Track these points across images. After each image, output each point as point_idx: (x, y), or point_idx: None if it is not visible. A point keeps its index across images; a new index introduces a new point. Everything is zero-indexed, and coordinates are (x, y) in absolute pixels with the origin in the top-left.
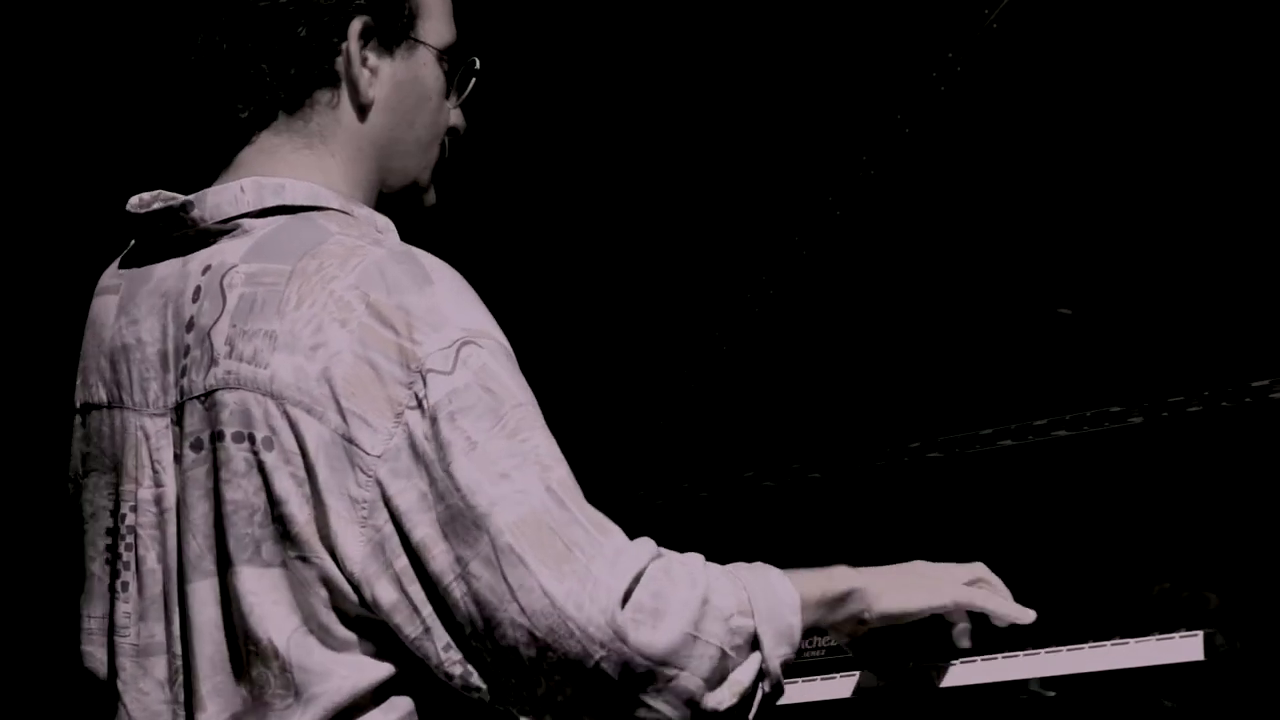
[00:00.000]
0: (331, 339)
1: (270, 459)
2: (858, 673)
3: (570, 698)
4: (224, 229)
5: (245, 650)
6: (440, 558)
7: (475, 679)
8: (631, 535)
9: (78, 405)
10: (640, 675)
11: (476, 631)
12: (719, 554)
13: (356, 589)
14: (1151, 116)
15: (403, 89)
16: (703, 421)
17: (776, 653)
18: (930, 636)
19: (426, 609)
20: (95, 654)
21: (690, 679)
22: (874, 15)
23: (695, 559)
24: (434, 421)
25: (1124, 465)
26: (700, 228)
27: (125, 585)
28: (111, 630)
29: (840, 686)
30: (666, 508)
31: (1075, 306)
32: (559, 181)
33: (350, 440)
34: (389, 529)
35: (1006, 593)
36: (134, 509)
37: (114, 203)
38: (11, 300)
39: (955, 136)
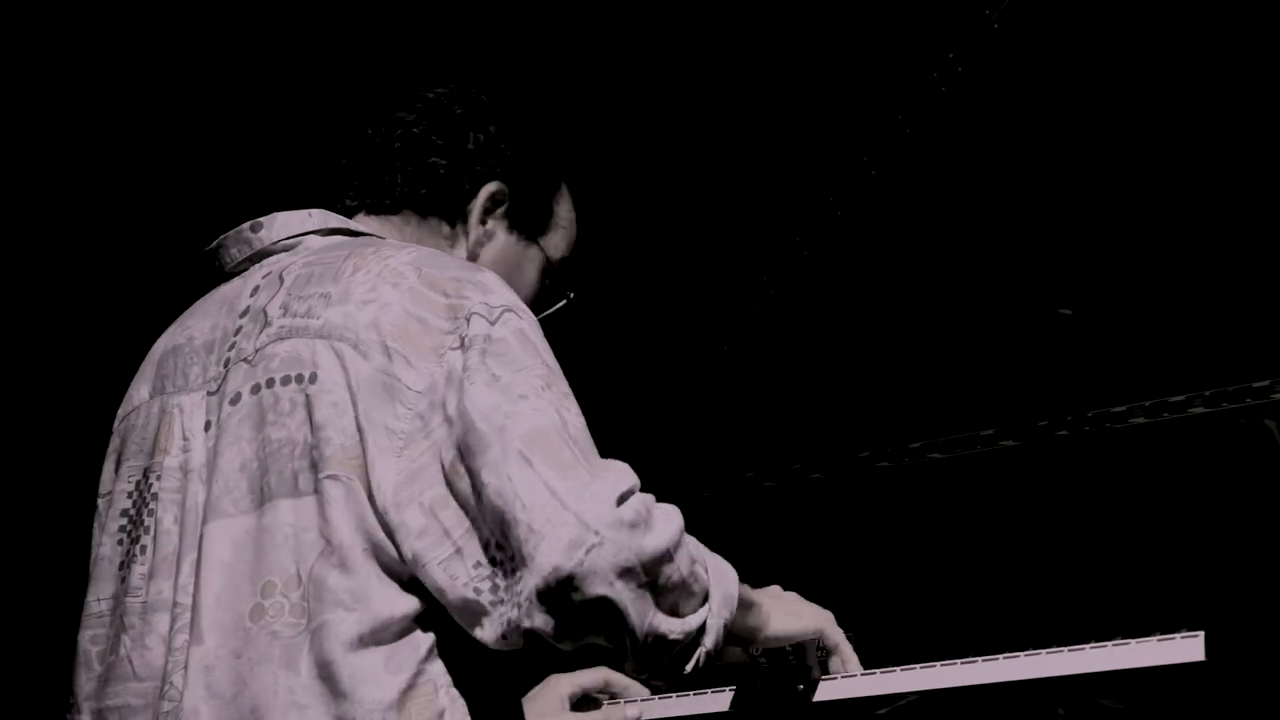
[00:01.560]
0: (383, 295)
1: (314, 391)
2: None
3: (556, 589)
4: (285, 247)
5: (266, 582)
6: (463, 479)
7: (502, 590)
8: None
9: (116, 422)
10: (624, 569)
11: (492, 537)
12: (721, 554)
13: (384, 514)
14: (1153, 116)
15: (504, 265)
16: (704, 422)
17: (721, 612)
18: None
19: (458, 530)
20: (100, 634)
21: (658, 592)
22: (875, 16)
23: (672, 507)
24: (467, 353)
25: (1126, 465)
26: (701, 228)
27: (144, 549)
28: (125, 596)
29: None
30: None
31: (1076, 307)
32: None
33: (393, 375)
34: (424, 460)
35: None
36: (159, 477)
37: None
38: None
39: (957, 137)
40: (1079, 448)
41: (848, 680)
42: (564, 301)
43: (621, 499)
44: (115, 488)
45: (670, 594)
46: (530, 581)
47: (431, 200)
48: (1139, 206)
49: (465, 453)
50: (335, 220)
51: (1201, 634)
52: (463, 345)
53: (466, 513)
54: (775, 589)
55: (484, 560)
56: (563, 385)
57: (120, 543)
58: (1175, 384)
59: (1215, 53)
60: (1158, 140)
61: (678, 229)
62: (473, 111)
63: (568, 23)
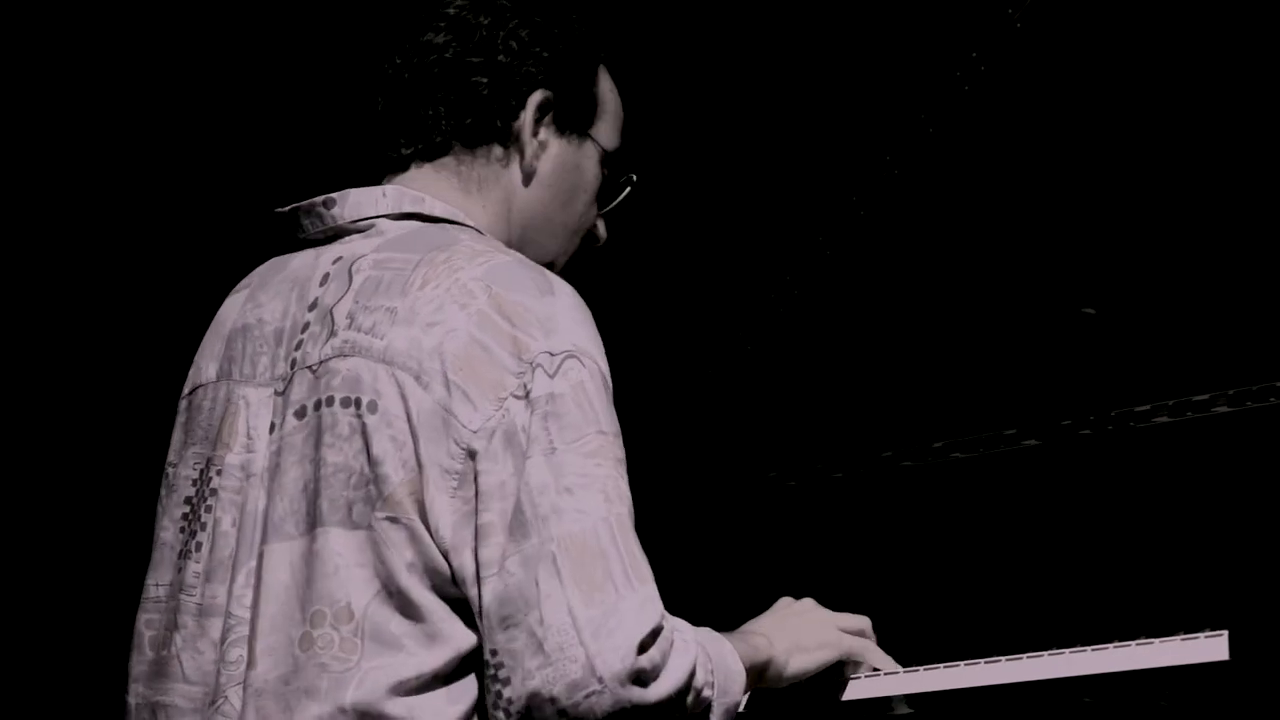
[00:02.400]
0: (450, 318)
1: (372, 421)
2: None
3: (545, 715)
4: (358, 228)
5: (315, 611)
6: (493, 547)
7: (488, 675)
8: (650, 534)
9: (185, 392)
10: (615, 716)
11: (489, 626)
12: (742, 553)
13: (445, 556)
14: (1178, 115)
15: (564, 171)
16: (726, 421)
17: None
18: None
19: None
20: (156, 619)
21: None
22: (897, 14)
23: (685, 625)
24: (530, 414)
25: (1149, 465)
26: (724, 227)
27: (199, 545)
28: (178, 591)
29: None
30: (692, 507)
31: (1099, 306)
32: None
33: (450, 412)
34: (473, 505)
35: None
36: (219, 473)
37: (259, 210)
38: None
39: (979, 136)
40: (1102, 447)
41: (870, 680)
42: (629, 189)
43: (642, 647)
44: (180, 470)
45: None
46: (521, 694)
47: (479, 128)
48: (1163, 205)
49: (506, 528)
50: (409, 201)
51: (1225, 633)
52: (526, 398)
53: (481, 575)
54: (786, 604)
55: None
56: (615, 451)
57: (182, 530)
58: (1199, 383)
59: (1243, 49)
60: (1182, 139)
61: (701, 228)
62: (500, 19)
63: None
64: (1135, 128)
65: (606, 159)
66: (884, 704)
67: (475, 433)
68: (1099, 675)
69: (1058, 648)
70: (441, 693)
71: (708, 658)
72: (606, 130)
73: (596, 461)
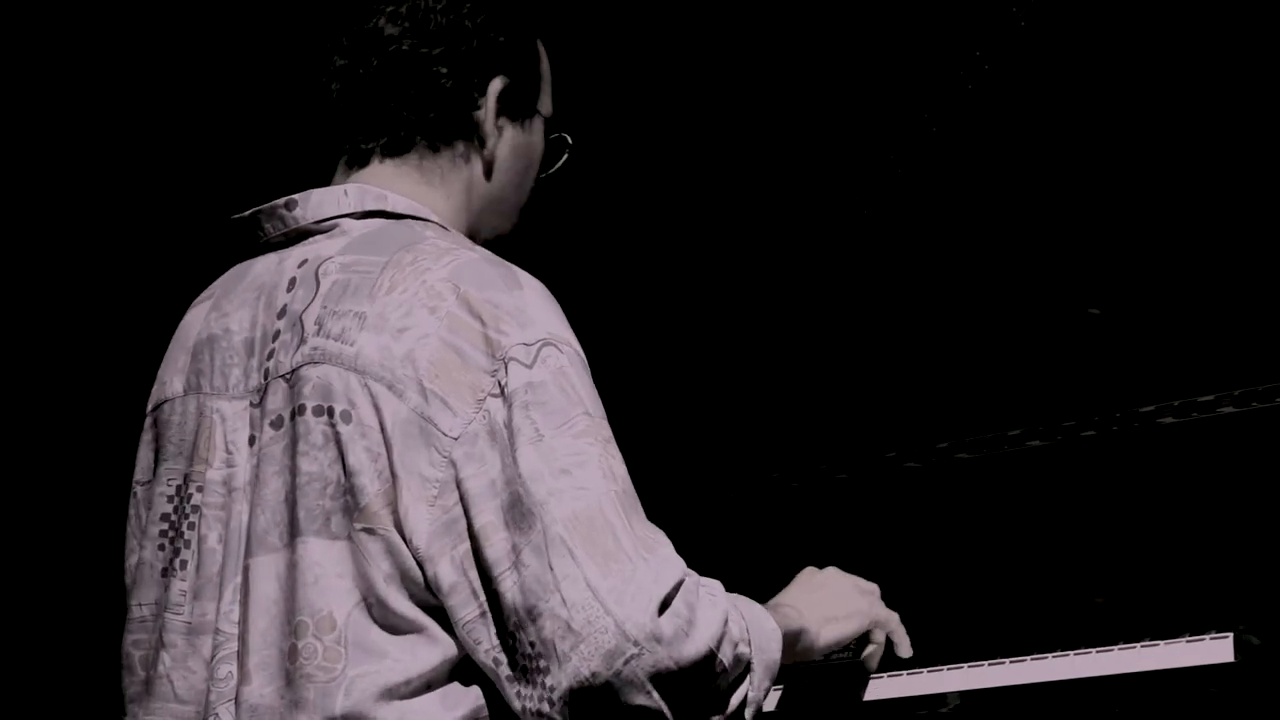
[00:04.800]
0: (420, 323)
1: (347, 431)
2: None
3: (592, 691)
4: (321, 228)
5: (298, 622)
6: (497, 545)
7: (518, 670)
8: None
9: (149, 407)
10: (662, 676)
11: (519, 621)
12: (746, 555)
13: (420, 565)
14: (1183, 115)
15: (519, 153)
16: (729, 422)
17: (763, 684)
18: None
19: (483, 594)
20: (144, 640)
21: (699, 688)
22: (902, 14)
23: (716, 583)
24: (510, 408)
25: (1154, 466)
26: (729, 228)
27: (184, 563)
28: (164, 610)
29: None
30: (695, 508)
31: (1104, 306)
32: (586, 187)
33: (429, 420)
34: (457, 511)
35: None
36: (200, 489)
37: (206, 218)
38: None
39: (983, 135)
40: (1106, 448)
41: (881, 681)
42: (567, 152)
43: (665, 603)
44: (155, 488)
45: (709, 685)
46: (563, 681)
47: (444, 123)
48: (1167, 206)
49: (508, 523)
50: (371, 199)
51: (1230, 635)
52: (503, 394)
53: (490, 577)
54: (810, 575)
55: (502, 632)
56: (604, 431)
57: (162, 548)
58: (1204, 384)
59: (1249, 48)
60: (1187, 139)
61: (705, 229)
62: (453, 5)
63: (604, 20)
64: (1140, 127)
65: (548, 126)
66: (886, 706)
67: (457, 439)
68: (1102, 677)
69: (1062, 650)
70: (435, 697)
71: (740, 615)
72: (547, 100)
73: (588, 441)
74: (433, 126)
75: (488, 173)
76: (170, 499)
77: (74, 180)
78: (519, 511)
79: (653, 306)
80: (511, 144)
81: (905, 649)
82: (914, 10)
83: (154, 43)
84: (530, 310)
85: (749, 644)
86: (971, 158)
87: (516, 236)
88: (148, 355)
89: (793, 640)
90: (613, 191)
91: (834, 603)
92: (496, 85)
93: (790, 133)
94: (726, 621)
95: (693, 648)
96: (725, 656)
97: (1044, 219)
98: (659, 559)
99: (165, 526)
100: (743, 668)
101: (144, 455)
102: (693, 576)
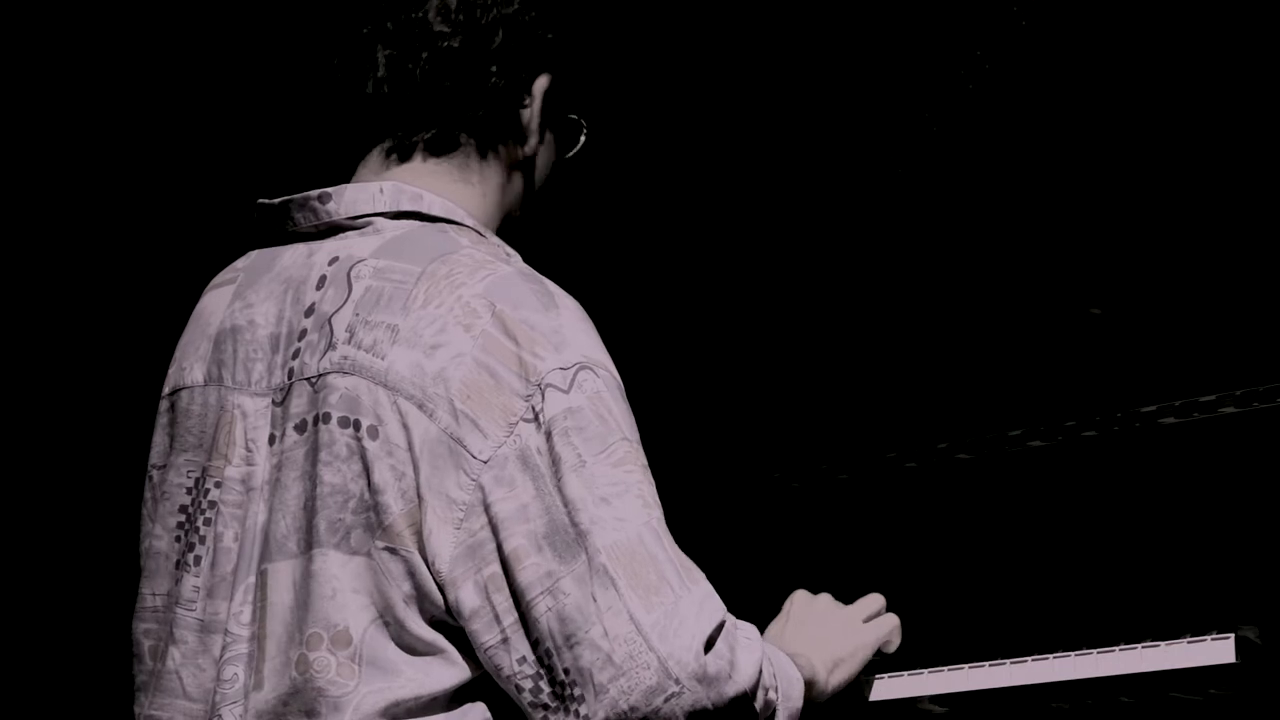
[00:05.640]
0: (454, 340)
1: (373, 447)
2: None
3: None
4: (354, 225)
5: (312, 633)
6: (530, 570)
7: (545, 695)
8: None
9: (166, 391)
10: (697, 716)
11: (554, 647)
12: (747, 554)
13: (441, 589)
14: (1185, 115)
15: (550, 149)
16: (730, 423)
17: None
18: None
19: (508, 619)
20: (154, 630)
21: None
22: (901, 13)
23: (751, 627)
24: (549, 436)
25: (1155, 466)
26: (731, 227)
27: (198, 559)
28: (175, 604)
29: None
30: (696, 508)
31: (1105, 306)
32: (588, 188)
33: (458, 441)
34: (484, 535)
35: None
36: (219, 485)
37: (226, 205)
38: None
39: (984, 135)
40: (1107, 449)
41: (881, 682)
42: (584, 135)
43: (709, 643)
44: (170, 476)
45: None
46: (600, 711)
47: (491, 123)
48: (1169, 205)
49: (545, 548)
50: (407, 199)
51: (1232, 636)
52: (537, 420)
53: (521, 600)
54: (806, 607)
55: (532, 658)
56: (641, 458)
57: (178, 540)
58: (1205, 384)
59: (1249, 48)
60: (1189, 139)
61: (706, 231)
62: (504, 1)
63: (604, 20)
64: (1141, 127)
65: (573, 118)
66: (889, 705)
67: (486, 463)
68: (1103, 678)
69: (1063, 650)
70: (440, 718)
71: (770, 661)
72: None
73: (627, 469)
74: (481, 125)
75: (527, 172)
76: (189, 491)
77: (79, 168)
78: (559, 539)
79: (653, 307)
80: (550, 144)
81: (892, 648)
82: (915, 10)
83: (164, 31)
84: (565, 332)
85: (777, 690)
86: (972, 157)
87: (519, 237)
88: (155, 339)
89: (808, 689)
90: (613, 192)
91: (836, 641)
92: (543, 83)
93: (791, 133)
94: (762, 668)
95: (732, 689)
96: (759, 702)
97: (1045, 219)
98: (701, 592)
99: (182, 518)
100: (770, 713)
101: (160, 439)
102: (731, 619)
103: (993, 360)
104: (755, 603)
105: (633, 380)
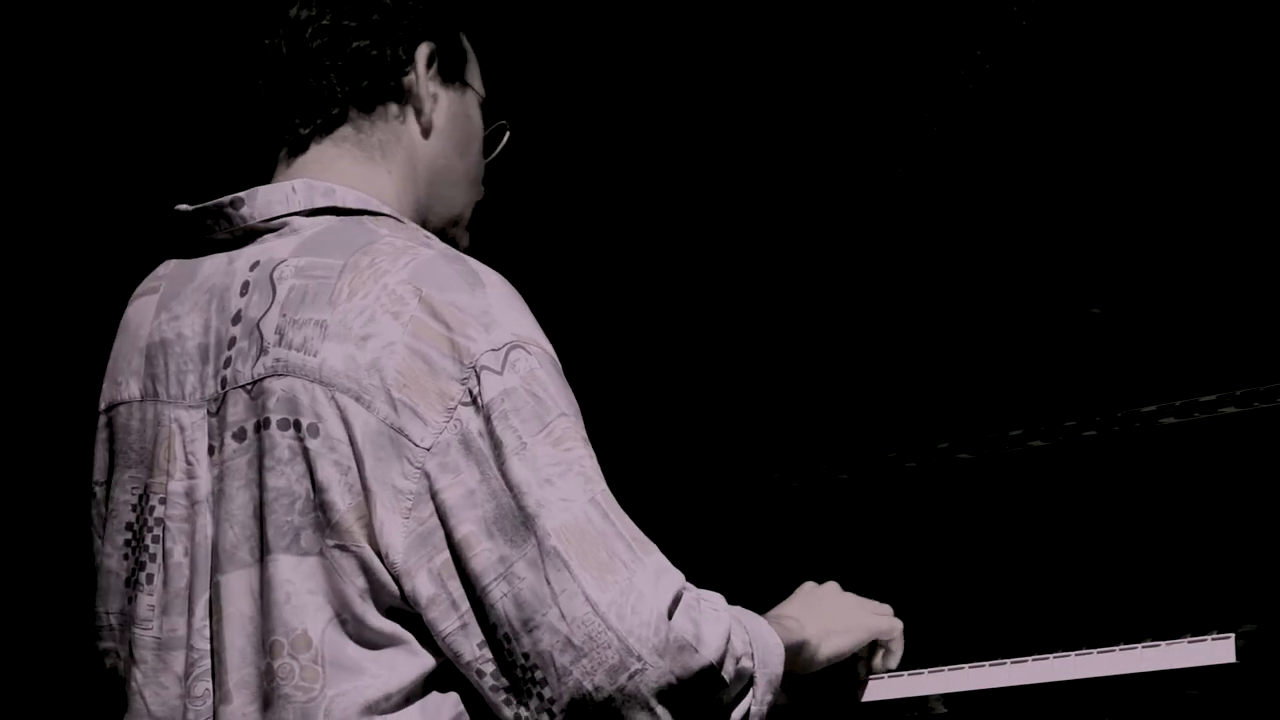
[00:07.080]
0: (383, 330)
1: (315, 445)
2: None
3: (594, 704)
4: (271, 227)
5: (273, 641)
6: (482, 556)
7: (506, 680)
8: (654, 535)
9: (103, 406)
10: (665, 691)
11: (511, 632)
12: (747, 555)
13: (397, 580)
14: (1185, 115)
15: (456, 121)
16: (731, 422)
17: (765, 698)
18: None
19: (464, 605)
20: (114, 650)
21: (702, 702)
22: (902, 13)
23: (718, 596)
24: (488, 419)
25: (1156, 466)
26: (730, 227)
27: (150, 578)
28: (131, 623)
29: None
30: (696, 509)
31: (1106, 306)
32: (587, 188)
33: (399, 431)
34: (433, 522)
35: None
36: (163, 501)
37: (153, 210)
38: (27, 306)
39: (984, 135)
40: (1107, 448)
41: (881, 681)
42: (507, 136)
43: (669, 615)
44: (115, 493)
45: (712, 699)
46: (565, 694)
47: (374, 88)
48: (1169, 205)
49: (494, 533)
50: (320, 195)
51: (1232, 636)
52: (475, 403)
53: (474, 587)
54: (810, 589)
55: (491, 644)
56: (580, 431)
57: (126, 558)
58: (1206, 384)
59: (1249, 48)
60: (1189, 139)
61: (705, 229)
62: None
63: (605, 19)
64: (1141, 127)
65: (483, 105)
66: (890, 706)
67: (429, 450)
68: (1104, 678)
69: (1063, 650)
70: (414, 709)
71: (743, 628)
72: (477, 78)
73: (567, 446)
74: (364, 94)
75: (425, 135)
76: (133, 508)
77: (10, 176)
78: (508, 524)
79: (653, 307)
80: (448, 109)
81: (893, 660)
82: (915, 10)
83: (81, 35)
84: (494, 311)
85: (752, 658)
86: (972, 158)
87: (519, 238)
88: (85, 347)
89: (794, 653)
90: (614, 192)
91: (834, 616)
92: (424, 49)
93: (791, 133)
94: (730, 635)
95: (697, 661)
96: (729, 671)
97: (1045, 219)
98: (656, 564)
99: (129, 536)
100: (745, 682)
101: (100, 455)
102: (692, 589)
103: (993, 360)
104: (755, 603)
105: (633, 381)
